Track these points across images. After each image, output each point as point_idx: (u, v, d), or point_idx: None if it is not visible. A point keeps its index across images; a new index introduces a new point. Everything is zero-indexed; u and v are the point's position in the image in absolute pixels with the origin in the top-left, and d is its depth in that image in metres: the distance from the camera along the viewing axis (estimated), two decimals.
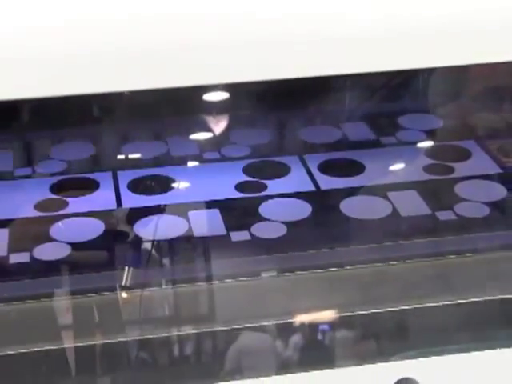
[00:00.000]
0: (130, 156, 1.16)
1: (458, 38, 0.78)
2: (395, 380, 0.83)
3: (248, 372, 0.91)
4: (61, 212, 1.04)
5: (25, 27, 0.72)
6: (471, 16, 0.78)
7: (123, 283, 0.96)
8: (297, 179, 1.11)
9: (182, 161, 1.15)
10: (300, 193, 1.08)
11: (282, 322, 0.94)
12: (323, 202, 1.07)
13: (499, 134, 1.20)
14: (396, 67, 0.80)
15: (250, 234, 1.01)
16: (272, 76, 0.77)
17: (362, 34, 0.77)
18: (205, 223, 1.04)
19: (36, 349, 0.87)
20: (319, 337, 0.95)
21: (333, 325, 0.95)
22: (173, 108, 1.14)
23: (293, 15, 0.76)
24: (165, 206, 1.06)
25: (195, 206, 1.06)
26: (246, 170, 1.12)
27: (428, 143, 1.19)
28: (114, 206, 1.05)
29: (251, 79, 0.77)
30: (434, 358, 0.86)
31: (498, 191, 1.09)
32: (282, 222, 1.02)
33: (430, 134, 1.20)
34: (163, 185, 1.10)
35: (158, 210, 1.05)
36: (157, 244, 1.01)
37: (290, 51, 0.76)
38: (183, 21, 0.74)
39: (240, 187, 1.09)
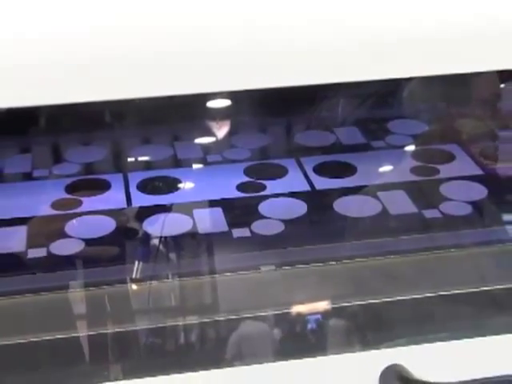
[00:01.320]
0: (140, 159, 1.16)
1: (458, 47, 0.78)
2: (385, 366, 0.83)
3: (247, 358, 0.91)
4: (75, 210, 1.04)
5: (37, 36, 0.72)
6: (470, 25, 0.78)
7: (133, 276, 0.97)
8: (293, 180, 1.11)
9: (188, 163, 1.15)
10: (296, 193, 1.08)
11: (279, 312, 0.94)
12: (318, 202, 1.07)
13: (481, 139, 1.20)
14: (395, 76, 0.80)
15: (250, 231, 1.01)
16: (271, 84, 0.77)
17: (361, 43, 0.77)
18: (208, 221, 1.04)
19: (52, 337, 0.87)
20: (314, 326, 0.95)
21: (326, 315, 0.95)
22: (179, 114, 1.14)
23: (292, 26, 0.76)
24: (171, 204, 1.06)
25: (199, 204, 1.06)
26: (247, 172, 1.12)
27: (415, 147, 1.19)
28: (124, 204, 1.06)
29: (252, 87, 0.77)
30: (423, 345, 0.86)
31: (480, 191, 1.09)
32: (280, 220, 1.03)
33: (416, 138, 1.20)
34: (170, 185, 1.10)
35: (165, 208, 1.05)
36: (164, 240, 1.01)
37: (290, 60, 0.76)
38: (189, 32, 0.74)
39: (241, 187, 1.09)
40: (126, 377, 0.85)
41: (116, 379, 0.84)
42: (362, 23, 0.77)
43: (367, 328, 0.94)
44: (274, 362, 0.86)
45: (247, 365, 0.84)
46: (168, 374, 0.82)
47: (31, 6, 0.72)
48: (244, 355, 0.92)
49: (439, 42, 0.78)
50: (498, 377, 0.82)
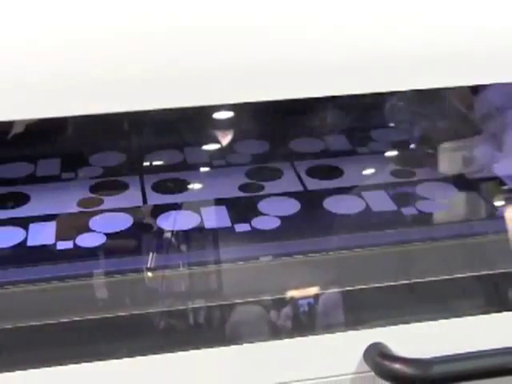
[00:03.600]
0: (154, 163, 1.16)
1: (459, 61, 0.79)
2: (368, 344, 0.84)
3: (246, 338, 0.91)
4: (98, 208, 1.04)
5: (51, 50, 0.72)
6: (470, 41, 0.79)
7: (148, 265, 0.97)
8: (288, 181, 1.11)
9: (196, 167, 1.15)
10: (291, 192, 1.08)
11: (276, 297, 0.94)
12: (310, 200, 1.07)
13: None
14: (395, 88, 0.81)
15: (251, 226, 1.01)
16: (270, 97, 0.78)
17: (358, 58, 0.77)
18: (214, 217, 1.04)
19: (77, 318, 0.88)
20: (306, 309, 0.95)
21: (317, 299, 0.96)
22: (188, 124, 1.14)
23: (290, 41, 0.76)
24: (181, 203, 1.06)
25: (206, 203, 1.06)
26: (248, 174, 1.12)
27: (394, 152, 1.19)
28: (140, 203, 1.06)
29: (253, 100, 0.78)
30: (401, 326, 0.86)
31: (451, 191, 1.10)
32: (277, 216, 1.03)
33: (396, 145, 1.20)
34: (180, 186, 1.10)
35: (176, 206, 1.05)
36: (175, 234, 1.02)
37: (287, 75, 0.77)
38: (199, 51, 0.75)
39: (242, 188, 1.09)
40: (141, 354, 0.86)
41: (133, 356, 0.84)
42: (361, 40, 0.77)
43: (352, 311, 0.95)
44: (270, 341, 0.86)
45: (245, 343, 0.85)
46: (178, 351, 0.82)
47: (51, 19, 0.73)
48: (243, 335, 0.92)
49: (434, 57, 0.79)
50: (468, 353, 0.82)
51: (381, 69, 0.78)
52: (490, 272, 0.95)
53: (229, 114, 1.14)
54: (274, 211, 1.04)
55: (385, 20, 0.78)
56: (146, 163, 1.16)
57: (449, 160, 1.11)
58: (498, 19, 0.80)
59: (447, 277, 0.94)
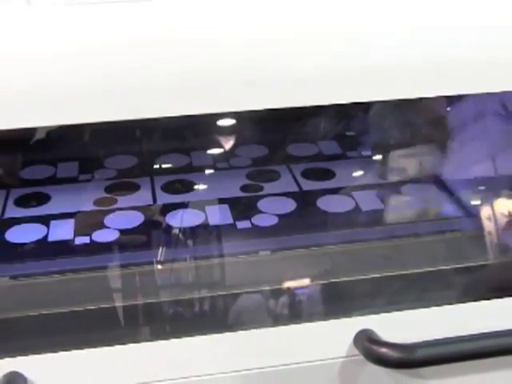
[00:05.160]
0: (163, 165, 1.16)
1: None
2: (358, 330, 0.85)
3: (246, 325, 0.91)
4: (112, 207, 1.04)
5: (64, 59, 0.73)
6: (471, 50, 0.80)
7: (158, 259, 0.98)
8: (285, 182, 1.11)
9: (201, 169, 1.15)
10: (287, 192, 1.08)
11: (274, 288, 0.95)
12: (305, 200, 1.07)
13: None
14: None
15: (251, 223, 1.02)
16: (269, 105, 0.78)
17: (353, 69, 0.78)
18: (217, 215, 1.04)
19: (93, 307, 0.89)
20: (301, 298, 0.96)
21: (311, 289, 0.96)
22: (194, 130, 1.15)
23: (289, 52, 0.77)
24: (188, 202, 1.07)
25: (210, 202, 1.07)
26: (248, 176, 1.12)
27: (381, 156, 1.20)
28: (150, 202, 1.06)
29: (253, 108, 0.78)
30: (387, 314, 0.87)
31: (433, 191, 1.10)
32: (275, 214, 1.03)
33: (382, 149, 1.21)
34: (187, 186, 1.10)
35: (183, 205, 1.06)
36: (182, 230, 1.02)
37: (285, 86, 0.77)
38: (203, 67, 0.76)
39: (243, 188, 1.09)
40: (152, 338, 0.86)
41: (145, 340, 0.85)
42: (358, 51, 0.78)
43: (343, 300, 0.96)
44: (268, 327, 0.86)
45: (245, 330, 0.85)
46: (185, 336, 0.83)
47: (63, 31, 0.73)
48: (244, 322, 0.93)
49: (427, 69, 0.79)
50: (448, 338, 0.83)
51: (375, 79, 0.79)
52: (468, 265, 0.96)
53: (231, 122, 1.14)
54: (272, 210, 1.04)
55: (377, 32, 0.79)
56: (156, 166, 1.16)
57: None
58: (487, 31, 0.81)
59: (428, 269, 0.94)
